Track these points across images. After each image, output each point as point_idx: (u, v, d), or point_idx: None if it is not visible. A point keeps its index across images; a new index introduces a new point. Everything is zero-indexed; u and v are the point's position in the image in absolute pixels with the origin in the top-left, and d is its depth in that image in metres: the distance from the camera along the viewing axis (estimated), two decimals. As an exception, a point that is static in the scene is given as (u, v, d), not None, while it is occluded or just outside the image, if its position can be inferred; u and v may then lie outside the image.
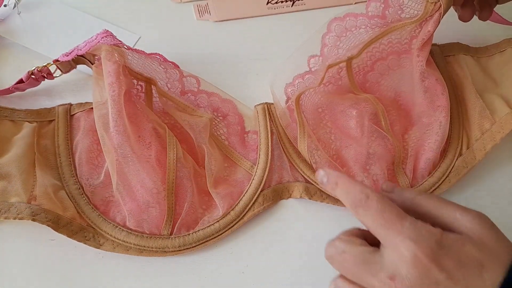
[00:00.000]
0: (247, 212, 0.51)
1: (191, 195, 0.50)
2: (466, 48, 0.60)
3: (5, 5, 0.62)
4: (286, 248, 0.51)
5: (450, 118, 0.54)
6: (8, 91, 0.56)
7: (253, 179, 0.52)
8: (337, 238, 0.39)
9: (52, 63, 0.54)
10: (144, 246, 0.48)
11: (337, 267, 0.39)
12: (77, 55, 0.51)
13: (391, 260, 0.35)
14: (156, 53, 0.52)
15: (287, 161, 0.53)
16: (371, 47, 0.53)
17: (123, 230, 0.49)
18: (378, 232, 0.36)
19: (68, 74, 0.56)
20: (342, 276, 0.39)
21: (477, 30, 0.61)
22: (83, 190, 0.50)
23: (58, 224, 0.48)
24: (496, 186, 0.55)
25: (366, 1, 0.51)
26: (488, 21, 0.57)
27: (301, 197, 0.52)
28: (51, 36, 0.62)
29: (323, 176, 0.40)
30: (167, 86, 0.53)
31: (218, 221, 0.50)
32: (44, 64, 0.54)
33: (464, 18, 0.55)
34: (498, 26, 0.61)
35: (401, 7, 0.50)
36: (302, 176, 0.53)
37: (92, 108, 0.51)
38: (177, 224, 0.49)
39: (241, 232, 0.51)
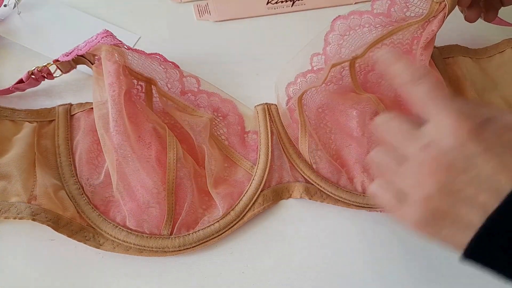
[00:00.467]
0: (247, 212, 0.51)
1: (191, 195, 0.50)
2: (465, 50, 0.60)
3: (5, 5, 0.62)
4: (286, 248, 0.51)
5: None
6: (8, 91, 0.56)
7: (253, 179, 0.52)
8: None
9: (52, 63, 0.54)
10: (144, 246, 0.48)
11: (380, 133, 0.39)
12: (77, 55, 0.51)
13: (431, 131, 0.35)
14: (156, 53, 0.52)
15: (287, 161, 0.53)
16: (373, 47, 0.53)
17: (123, 230, 0.49)
18: (428, 104, 0.36)
19: (68, 74, 0.56)
20: (381, 146, 0.39)
21: (477, 31, 0.62)
22: (83, 190, 0.50)
23: (58, 224, 0.48)
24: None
25: (366, 1, 0.51)
26: (486, 23, 0.57)
27: (301, 197, 0.52)
28: (51, 36, 0.62)
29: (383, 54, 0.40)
30: (167, 86, 0.53)
31: (218, 221, 0.50)
32: (44, 64, 0.54)
33: (470, 19, 0.55)
34: (498, 27, 0.61)
35: (407, 4, 0.50)
36: (302, 176, 0.53)
37: (92, 108, 0.51)
38: (177, 224, 0.49)
39: (241, 232, 0.51)
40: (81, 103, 0.55)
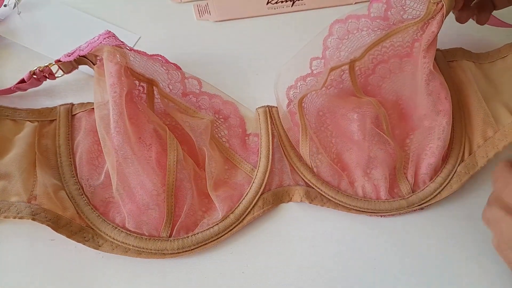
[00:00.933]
0: (246, 215, 0.51)
1: (191, 197, 0.50)
2: (468, 54, 0.60)
3: (5, 5, 0.62)
4: (286, 249, 0.51)
5: (453, 123, 0.54)
6: (9, 91, 0.56)
7: (253, 182, 0.52)
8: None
9: (54, 63, 0.54)
10: (143, 248, 0.48)
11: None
12: (79, 56, 0.51)
13: None
14: (157, 54, 0.51)
15: (288, 165, 0.53)
16: (373, 50, 0.53)
17: (122, 231, 0.49)
18: None
19: (69, 74, 0.56)
20: None
21: (479, 33, 0.62)
22: (83, 191, 0.50)
23: (57, 224, 0.48)
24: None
25: (366, 1, 0.51)
26: (488, 25, 0.57)
27: (301, 201, 0.52)
28: (51, 36, 0.62)
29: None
30: (168, 87, 0.53)
31: (217, 224, 0.50)
32: (46, 64, 0.54)
33: (460, 20, 0.55)
34: (500, 29, 0.61)
35: (404, 7, 0.50)
36: (303, 179, 0.53)
37: (93, 108, 0.51)
38: (176, 226, 0.49)
39: (242, 233, 0.51)
40: (83, 103, 0.55)
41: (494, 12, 0.56)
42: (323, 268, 0.50)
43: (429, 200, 0.52)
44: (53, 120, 0.54)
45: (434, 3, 0.48)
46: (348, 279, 0.49)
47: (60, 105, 0.55)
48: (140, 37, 0.63)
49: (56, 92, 0.58)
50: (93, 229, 0.49)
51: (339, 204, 0.52)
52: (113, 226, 0.49)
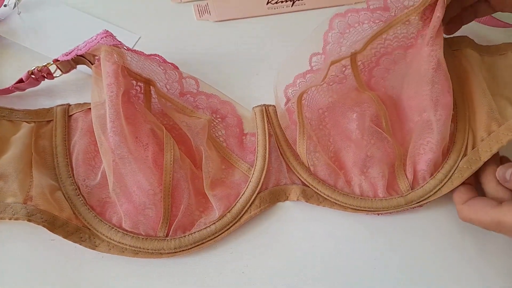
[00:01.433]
0: (243, 214, 0.51)
1: (188, 197, 0.50)
2: (473, 43, 0.59)
3: (5, 5, 0.62)
4: (286, 248, 0.51)
5: (456, 116, 0.53)
6: (8, 91, 0.56)
7: (250, 181, 0.52)
8: None
9: (52, 63, 0.54)
10: (140, 248, 0.48)
11: None
12: (77, 55, 0.51)
13: None
14: (155, 54, 0.51)
15: (285, 164, 0.53)
16: (375, 42, 0.52)
17: (118, 231, 0.49)
18: None
19: (68, 74, 0.56)
20: None
21: (479, 33, 0.61)
22: (80, 191, 0.50)
23: (53, 224, 0.48)
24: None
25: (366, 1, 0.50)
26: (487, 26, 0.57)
27: (298, 200, 0.52)
28: (51, 36, 0.62)
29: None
30: (166, 87, 0.53)
31: (214, 223, 0.50)
32: (44, 64, 0.54)
33: (449, 31, 0.56)
34: (499, 29, 0.61)
35: None
36: (299, 178, 0.53)
37: (90, 108, 0.51)
38: (173, 226, 0.49)
39: (241, 232, 0.51)
40: (80, 104, 0.55)
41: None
42: (322, 267, 0.50)
43: (428, 197, 0.52)
44: (50, 120, 0.54)
45: None
46: (347, 278, 0.49)
47: (57, 106, 0.55)
48: (140, 37, 0.63)
49: (55, 92, 0.58)
50: (89, 229, 0.49)
51: (335, 203, 0.51)
52: (109, 226, 0.49)
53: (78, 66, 0.55)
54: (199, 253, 0.50)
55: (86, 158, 0.52)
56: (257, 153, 0.53)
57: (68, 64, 0.54)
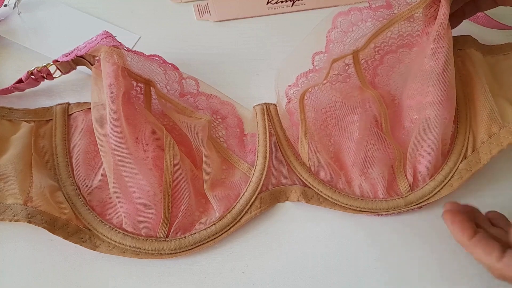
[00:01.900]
0: (243, 215, 0.51)
1: (188, 197, 0.50)
2: (477, 43, 0.58)
3: (5, 5, 0.62)
4: (286, 248, 0.51)
5: (457, 117, 0.53)
6: (7, 91, 0.56)
7: (250, 181, 0.52)
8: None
9: (51, 63, 0.54)
10: (140, 249, 0.48)
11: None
12: (77, 56, 0.51)
13: None
14: (155, 54, 0.51)
15: (285, 164, 0.53)
16: (379, 40, 0.52)
17: (119, 232, 0.49)
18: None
19: (68, 74, 0.56)
20: None
21: (479, 33, 0.61)
22: (80, 191, 0.50)
23: (54, 226, 0.48)
24: (500, 194, 0.54)
25: (366, 1, 0.50)
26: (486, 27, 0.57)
27: (298, 200, 0.52)
28: (51, 36, 0.62)
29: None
30: (166, 88, 0.53)
31: (214, 224, 0.50)
32: (43, 65, 0.54)
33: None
34: (500, 30, 0.61)
35: None
36: (300, 179, 0.53)
37: (90, 108, 0.51)
38: (173, 227, 0.49)
39: (241, 232, 0.51)
40: (79, 103, 0.55)
41: (494, 14, 0.56)
42: (322, 268, 0.50)
43: (428, 199, 0.52)
44: (50, 120, 0.54)
45: None
46: (347, 279, 0.49)
47: (57, 105, 0.55)
48: (140, 37, 0.63)
49: (55, 92, 0.58)
50: (90, 230, 0.49)
51: (336, 204, 0.51)
52: (110, 226, 0.49)
53: (78, 67, 0.55)
54: (199, 253, 0.50)
55: (86, 158, 0.52)
56: (258, 152, 0.52)
57: (68, 65, 0.54)
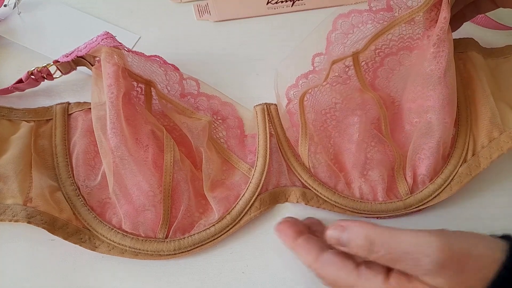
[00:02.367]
0: (243, 216, 0.51)
1: (188, 198, 0.50)
2: (478, 46, 0.58)
3: (5, 5, 0.62)
4: (286, 248, 0.50)
5: (458, 121, 0.53)
6: (7, 91, 0.56)
7: (250, 182, 0.51)
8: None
9: (52, 63, 0.54)
10: (139, 249, 0.48)
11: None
12: (77, 56, 0.51)
13: None
14: (155, 55, 0.51)
15: (285, 165, 0.53)
16: (379, 43, 0.52)
17: (118, 232, 0.49)
18: None
19: (68, 74, 0.55)
20: None
21: (480, 34, 0.61)
22: (80, 192, 0.50)
23: (53, 226, 0.48)
24: (499, 196, 0.54)
25: (366, 1, 0.50)
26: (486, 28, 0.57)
27: (297, 202, 0.52)
28: (51, 36, 0.62)
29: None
30: (166, 88, 0.53)
31: (213, 225, 0.50)
32: (44, 65, 0.54)
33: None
34: (500, 30, 0.61)
35: None
36: (299, 180, 0.52)
37: (90, 108, 0.51)
38: (172, 228, 0.49)
39: (241, 232, 0.51)
40: (79, 102, 0.55)
41: (494, 14, 0.56)
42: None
43: (427, 202, 0.51)
44: (49, 119, 0.54)
45: None
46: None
47: (56, 104, 0.55)
48: (140, 37, 0.63)
49: (55, 93, 0.58)
50: (89, 230, 0.49)
51: (335, 206, 0.51)
52: (109, 227, 0.49)
53: (78, 67, 0.55)
54: (199, 253, 0.50)
55: (86, 159, 0.51)
56: (258, 153, 0.52)
57: (68, 65, 0.54)
